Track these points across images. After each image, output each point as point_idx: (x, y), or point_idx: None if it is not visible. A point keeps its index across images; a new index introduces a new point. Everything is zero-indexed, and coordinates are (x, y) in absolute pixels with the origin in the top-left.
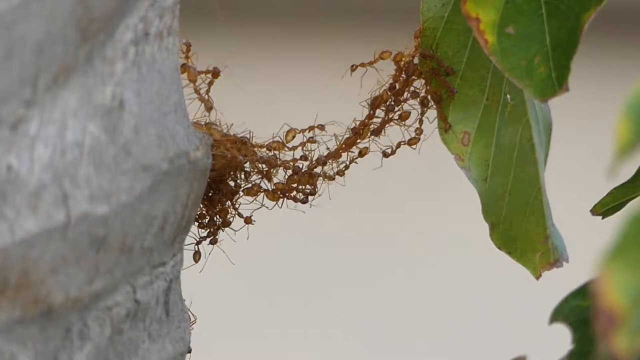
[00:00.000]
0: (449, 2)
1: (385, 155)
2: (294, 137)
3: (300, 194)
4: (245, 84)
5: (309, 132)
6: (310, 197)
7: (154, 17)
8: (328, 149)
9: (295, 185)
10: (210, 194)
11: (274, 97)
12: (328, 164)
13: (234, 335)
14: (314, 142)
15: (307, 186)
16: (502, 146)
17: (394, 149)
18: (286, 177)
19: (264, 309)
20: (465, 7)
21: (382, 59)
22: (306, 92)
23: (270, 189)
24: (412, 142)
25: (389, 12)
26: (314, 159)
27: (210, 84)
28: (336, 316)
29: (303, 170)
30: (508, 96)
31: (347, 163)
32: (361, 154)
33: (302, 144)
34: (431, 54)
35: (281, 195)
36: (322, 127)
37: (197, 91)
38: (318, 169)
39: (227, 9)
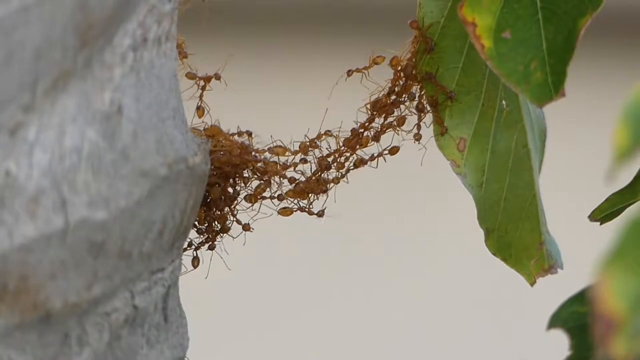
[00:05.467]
0: (446, 8)
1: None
2: (307, 147)
3: (316, 197)
4: (242, 90)
5: (318, 140)
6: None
7: (152, 22)
8: (329, 150)
9: (305, 193)
10: (208, 200)
11: (272, 102)
12: (332, 167)
13: (232, 340)
14: (317, 147)
15: (319, 193)
16: (498, 152)
17: (375, 156)
18: (290, 185)
19: (263, 312)
20: (461, 11)
21: (376, 63)
22: (306, 96)
23: (281, 205)
24: (393, 151)
25: (389, 13)
26: (317, 164)
27: (203, 88)
28: (335, 316)
29: (309, 177)
30: (504, 102)
31: (343, 172)
32: (355, 165)
33: (305, 149)
34: (422, 36)
35: (295, 210)
36: (330, 134)
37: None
38: (324, 175)
39: (225, 13)
